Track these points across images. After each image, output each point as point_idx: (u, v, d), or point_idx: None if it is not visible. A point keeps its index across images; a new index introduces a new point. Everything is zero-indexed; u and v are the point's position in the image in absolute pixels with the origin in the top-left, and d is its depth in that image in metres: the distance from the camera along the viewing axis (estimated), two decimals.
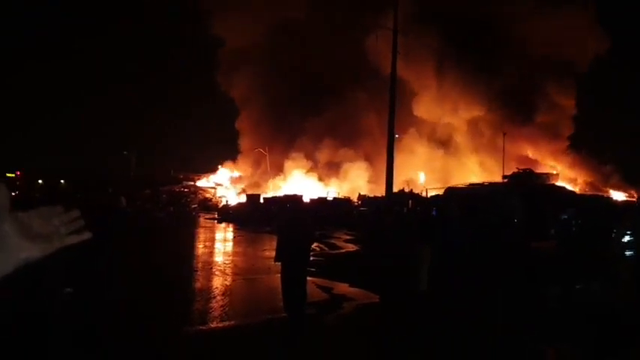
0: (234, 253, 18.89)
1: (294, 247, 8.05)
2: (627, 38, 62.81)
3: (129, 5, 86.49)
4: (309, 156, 53.64)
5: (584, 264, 7.80)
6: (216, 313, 8.67)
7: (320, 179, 51.94)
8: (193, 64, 54.64)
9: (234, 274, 13.37)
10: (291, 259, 8.03)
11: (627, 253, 7.57)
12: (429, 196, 34.93)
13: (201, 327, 7.80)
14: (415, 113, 45.51)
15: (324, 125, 52.53)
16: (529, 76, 41.53)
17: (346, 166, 50.77)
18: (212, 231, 30.30)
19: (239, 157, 61.71)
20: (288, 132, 55.36)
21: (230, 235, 27.35)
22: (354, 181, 49.28)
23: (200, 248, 20.06)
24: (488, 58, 40.20)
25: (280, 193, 45.40)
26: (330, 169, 52.18)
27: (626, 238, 7.70)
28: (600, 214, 12.89)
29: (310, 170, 52.98)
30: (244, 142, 60.25)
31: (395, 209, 28.81)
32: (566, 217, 17.03)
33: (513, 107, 41.11)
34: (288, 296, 8.12)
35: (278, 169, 54.50)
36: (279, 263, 8.18)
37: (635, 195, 36.18)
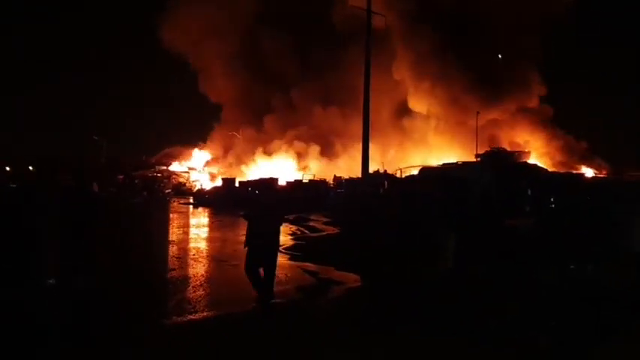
0: (214, 239, 18.68)
1: (265, 231, 7.98)
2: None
3: None
4: (282, 137, 53.32)
5: (576, 244, 7.90)
6: (204, 303, 8.52)
7: (297, 157, 51.81)
8: (162, 46, 53.75)
9: (216, 260, 13.22)
10: (262, 243, 7.98)
11: None
12: (403, 176, 35.14)
13: (187, 317, 7.64)
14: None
15: (300, 104, 52.27)
16: (501, 52, 41.91)
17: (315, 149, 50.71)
18: (188, 216, 30.01)
19: (212, 140, 61.15)
20: (260, 114, 54.88)
21: (207, 220, 27.11)
22: (330, 163, 49.28)
23: (179, 234, 19.80)
24: (461, 35, 40.28)
25: (255, 176, 45.11)
26: (305, 150, 51.99)
27: None
28: (582, 192, 13.04)
29: (284, 151, 52.71)
30: (217, 126, 59.77)
31: (371, 191, 29.01)
32: (544, 194, 17.31)
33: (486, 86, 41.39)
34: (255, 276, 8.07)
35: (252, 152, 54.10)
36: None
37: (605, 171, 37.03)
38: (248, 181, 41.70)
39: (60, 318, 7.39)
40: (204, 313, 7.84)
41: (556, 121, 44.26)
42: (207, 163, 61.50)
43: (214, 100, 58.28)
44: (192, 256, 13.65)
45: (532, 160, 36.64)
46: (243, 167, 53.45)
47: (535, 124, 43.19)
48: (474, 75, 41.04)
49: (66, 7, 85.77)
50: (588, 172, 38.25)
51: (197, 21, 52.78)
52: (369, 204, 23.17)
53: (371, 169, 36.06)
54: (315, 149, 51.26)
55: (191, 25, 52.85)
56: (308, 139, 51.65)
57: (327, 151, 50.77)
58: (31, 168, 57.25)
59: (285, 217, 25.08)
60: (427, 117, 46.25)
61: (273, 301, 8.07)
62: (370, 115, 33.14)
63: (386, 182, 31.66)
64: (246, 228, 8.09)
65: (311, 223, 23.23)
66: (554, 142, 42.17)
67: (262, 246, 7.97)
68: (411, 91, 44.67)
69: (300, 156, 51.80)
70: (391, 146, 47.16)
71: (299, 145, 51.87)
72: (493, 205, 14.17)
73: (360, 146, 34.01)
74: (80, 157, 52.51)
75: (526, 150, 38.41)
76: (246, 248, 8.07)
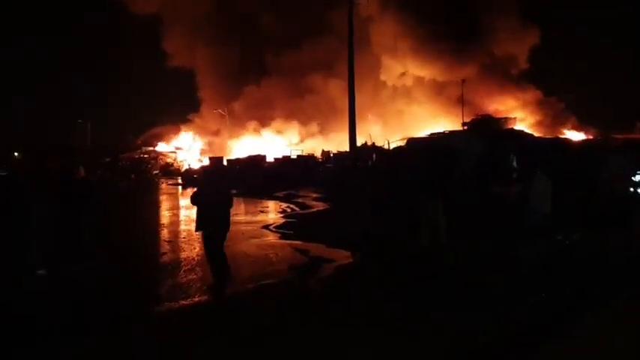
0: None
1: (214, 213, 8.06)
2: None
3: None
4: (268, 113, 52.91)
5: (562, 211, 7.96)
6: (196, 287, 8.53)
7: (278, 132, 51.54)
8: (145, 26, 52.61)
9: None
10: (213, 226, 8.09)
11: None
12: (391, 147, 35.17)
13: (179, 302, 7.64)
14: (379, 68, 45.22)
15: (283, 81, 51.72)
16: (482, 17, 41.67)
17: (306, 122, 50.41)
18: (177, 197, 29.94)
19: (199, 117, 60.56)
20: (246, 91, 54.36)
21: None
22: (317, 137, 49.11)
23: (168, 216, 19.78)
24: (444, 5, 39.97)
25: (243, 154, 44.95)
26: (289, 124, 51.69)
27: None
28: (569, 157, 13.12)
29: (268, 127, 52.37)
30: (203, 104, 59.17)
31: (359, 165, 29.08)
32: (530, 160, 17.34)
33: (470, 53, 41.24)
34: (213, 260, 8.23)
35: (239, 129, 53.74)
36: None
37: (593, 135, 37.18)
38: (237, 159, 41.60)
39: (51, 308, 7.40)
40: (197, 298, 7.86)
41: (541, 84, 44.32)
42: (195, 141, 61.05)
43: (202, 95, 57.79)
44: (182, 239, 13.64)
45: (518, 126, 36.77)
46: (230, 144, 53.16)
47: (519, 89, 43.21)
48: (460, 43, 40.84)
49: None
50: (575, 135, 38.44)
51: None
52: (357, 178, 23.27)
53: (359, 143, 36.09)
54: (303, 124, 50.94)
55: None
56: (295, 113, 51.31)
57: (319, 125, 50.48)
58: (16, 154, 56.76)
59: (275, 194, 25.32)
60: (411, 87, 46.06)
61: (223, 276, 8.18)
62: (355, 89, 32.98)
63: (374, 155, 31.74)
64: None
65: (301, 200, 23.29)
66: (539, 107, 42.24)
67: (214, 231, 8.10)
68: (389, 56, 44.41)
69: (287, 131, 51.52)
70: (379, 119, 47.01)
71: (284, 121, 51.50)
72: (483, 173, 14.29)
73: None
74: (66, 144, 52.11)
75: (512, 116, 38.49)
76: (201, 233, 8.22)
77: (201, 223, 8.17)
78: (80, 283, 8.24)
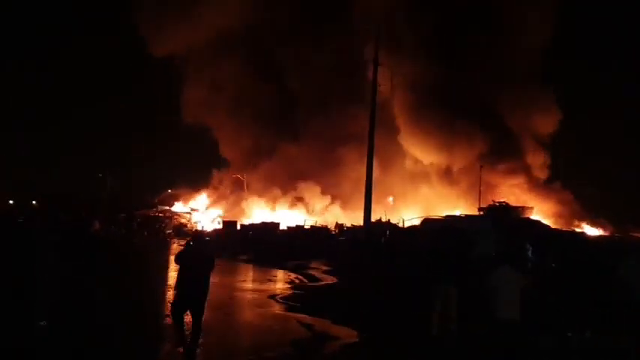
0: (211, 284, 18.43)
1: (194, 279, 8.07)
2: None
3: (104, 26, 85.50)
4: (283, 184, 53.31)
5: (575, 307, 7.74)
6: (195, 354, 8.33)
7: (292, 206, 51.66)
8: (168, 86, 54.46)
9: (212, 308, 12.97)
10: (191, 291, 8.07)
11: None
12: (405, 226, 35.05)
13: None
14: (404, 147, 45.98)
15: (302, 152, 52.36)
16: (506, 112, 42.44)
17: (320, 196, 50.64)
18: None
19: (218, 182, 61.27)
20: (265, 157, 55.02)
21: None
22: (331, 210, 49.08)
23: (174, 278, 19.60)
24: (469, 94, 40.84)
25: (257, 220, 45.01)
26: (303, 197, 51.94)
27: None
28: (585, 251, 12.92)
29: (283, 199, 52.60)
30: (224, 169, 60.02)
31: (373, 240, 28.92)
32: (545, 252, 17.11)
33: (491, 142, 41.76)
34: (179, 323, 8.13)
35: (257, 195, 54.05)
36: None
37: (610, 230, 36.77)
38: (250, 225, 41.61)
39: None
40: None
41: (559, 178, 44.41)
42: (211, 205, 61.46)
43: (224, 154, 58.81)
44: None
45: (535, 216, 36.56)
46: (245, 210, 53.33)
47: (537, 181, 43.30)
48: (482, 132, 41.50)
49: (75, 39, 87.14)
50: (591, 230, 38.02)
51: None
52: (369, 254, 23.07)
53: (374, 218, 36.07)
54: (318, 196, 50.94)
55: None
56: (311, 184, 51.53)
57: (336, 198, 50.54)
58: (34, 202, 57.49)
59: (285, 263, 25.10)
60: (429, 168, 46.39)
61: (197, 348, 8.01)
62: (373, 165, 33.35)
63: (387, 232, 31.62)
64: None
65: (311, 272, 22.99)
66: (556, 199, 42.10)
67: (190, 292, 8.05)
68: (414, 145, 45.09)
69: (303, 201, 51.60)
70: (394, 195, 47.09)
71: (303, 189, 51.64)
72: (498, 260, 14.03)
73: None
74: (83, 197, 52.73)
75: (529, 206, 38.31)
76: (175, 292, 8.17)
77: (177, 283, 8.15)
78: (78, 339, 8.11)
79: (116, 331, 9.11)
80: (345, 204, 48.14)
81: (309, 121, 52.50)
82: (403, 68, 37.98)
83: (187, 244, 9.53)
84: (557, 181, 43.84)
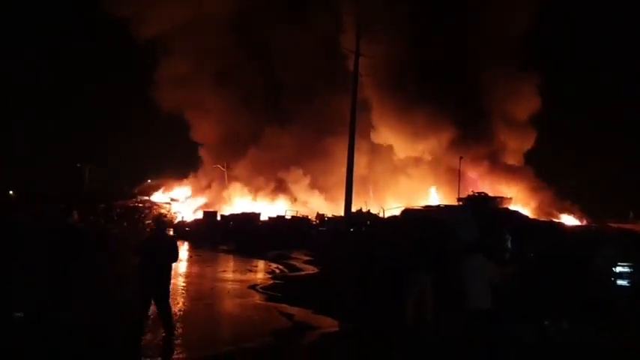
0: (191, 275, 18.42)
1: (157, 267, 8.02)
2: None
3: (80, 19, 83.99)
4: (267, 172, 52.84)
5: (551, 297, 7.84)
6: (175, 344, 8.27)
7: (274, 195, 51.30)
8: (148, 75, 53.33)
9: (192, 298, 12.96)
10: (155, 279, 8.02)
11: (620, 283, 7.68)
12: (386, 216, 35.17)
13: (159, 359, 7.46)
14: (374, 141, 45.54)
15: (287, 141, 51.89)
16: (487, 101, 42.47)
17: (297, 185, 50.30)
18: None
19: (197, 172, 60.76)
20: (249, 144, 54.40)
21: (186, 254, 26.72)
22: (309, 199, 48.91)
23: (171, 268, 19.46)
24: (448, 82, 40.82)
25: (238, 210, 44.78)
26: (281, 188, 51.54)
27: (620, 269, 7.81)
28: (563, 241, 13.06)
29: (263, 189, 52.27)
30: (203, 157, 59.29)
31: (353, 230, 29.00)
32: (523, 242, 17.27)
33: (471, 131, 41.88)
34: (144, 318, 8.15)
35: (240, 182, 53.63)
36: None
37: (587, 221, 37.26)
38: (230, 215, 41.42)
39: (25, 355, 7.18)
40: (175, 356, 7.62)
41: (538, 167, 44.80)
42: (191, 195, 61.02)
43: (199, 140, 57.93)
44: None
45: (513, 206, 36.88)
46: (226, 200, 53.03)
47: (516, 171, 43.62)
48: (462, 120, 41.52)
49: (55, 32, 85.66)
50: (569, 220, 38.50)
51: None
52: (349, 244, 23.13)
53: (354, 208, 36.16)
54: (302, 179, 50.51)
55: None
56: (294, 168, 51.17)
57: (321, 190, 50.25)
58: (11, 192, 56.55)
59: (266, 254, 25.07)
60: (412, 159, 46.44)
61: (174, 338, 8.07)
62: (354, 156, 33.39)
63: (368, 222, 31.70)
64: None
65: (291, 262, 23.02)
66: (535, 189, 42.51)
67: (154, 282, 8.01)
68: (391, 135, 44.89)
69: (284, 185, 51.25)
70: (377, 186, 47.11)
71: (286, 174, 51.21)
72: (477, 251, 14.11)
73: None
74: (61, 187, 52.00)
75: (508, 196, 38.65)
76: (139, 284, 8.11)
77: (140, 274, 8.09)
78: (55, 331, 8.01)
79: (93, 323, 9.00)
80: (329, 195, 48.02)
81: (296, 108, 51.88)
82: (373, 50, 37.51)
83: (144, 239, 9.39)
84: (533, 171, 44.18)
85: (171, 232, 37.33)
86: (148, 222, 50.79)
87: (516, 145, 43.73)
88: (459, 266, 7.06)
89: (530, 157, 45.10)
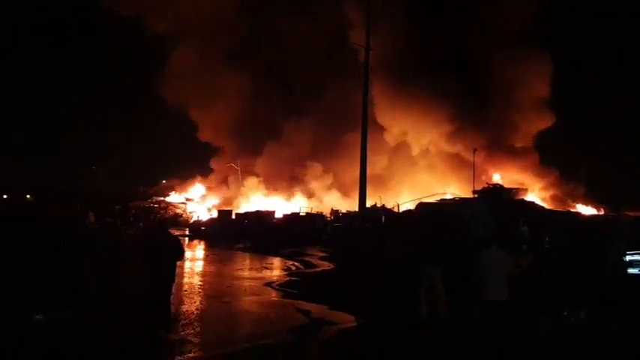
0: (208, 273, 18.53)
1: (157, 268, 8.05)
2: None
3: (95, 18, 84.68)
4: (269, 171, 52.87)
5: (569, 287, 7.77)
6: (192, 343, 8.34)
7: (289, 195, 51.20)
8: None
9: (209, 296, 13.04)
10: (157, 275, 8.06)
11: (631, 271, 7.61)
12: (401, 210, 35.06)
13: (175, 358, 7.49)
14: (386, 130, 45.21)
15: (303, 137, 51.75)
16: (501, 92, 42.06)
17: (315, 182, 50.13)
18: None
19: (213, 171, 60.93)
20: (262, 142, 54.39)
21: (202, 253, 26.89)
22: (326, 196, 48.80)
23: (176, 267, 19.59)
24: (462, 78, 40.49)
25: (252, 208, 44.86)
26: (293, 183, 51.43)
27: (629, 257, 7.74)
28: (580, 232, 12.94)
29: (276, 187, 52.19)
30: (217, 157, 59.43)
31: (368, 225, 28.92)
32: (539, 233, 17.14)
33: (484, 123, 41.55)
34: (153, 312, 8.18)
35: (256, 178, 53.67)
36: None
37: (604, 210, 36.90)
38: (245, 213, 41.55)
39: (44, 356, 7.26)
40: (191, 355, 7.67)
41: (554, 158, 44.38)
42: (206, 194, 61.30)
43: (214, 137, 57.96)
44: (184, 292, 13.44)
45: (529, 197, 36.61)
46: (241, 199, 53.15)
47: (531, 161, 43.22)
48: (475, 113, 41.18)
49: (65, 32, 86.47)
50: (586, 210, 38.15)
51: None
52: (364, 239, 23.08)
53: (369, 203, 36.07)
54: (320, 175, 50.36)
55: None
56: (313, 163, 51.05)
57: (337, 185, 50.07)
58: (28, 197, 57.25)
59: (281, 251, 25.13)
60: (424, 151, 46.16)
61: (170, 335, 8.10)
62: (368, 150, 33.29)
63: (383, 217, 31.62)
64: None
65: (307, 258, 23.06)
66: (550, 180, 42.13)
67: (158, 281, 8.05)
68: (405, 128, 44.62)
69: (301, 186, 51.19)
70: (390, 179, 46.87)
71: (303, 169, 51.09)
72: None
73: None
74: (77, 189, 52.50)
75: (523, 187, 38.36)
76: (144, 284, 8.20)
77: (144, 274, 8.21)
78: (72, 332, 8.09)
79: (105, 322, 9.09)
80: (347, 191, 47.85)
81: (312, 104, 51.65)
82: (380, 43, 37.22)
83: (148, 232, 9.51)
84: (549, 162, 43.75)
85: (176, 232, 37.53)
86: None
87: (527, 130, 43.21)
88: (475, 258, 7.03)
89: (542, 145, 44.70)
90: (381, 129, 43.42)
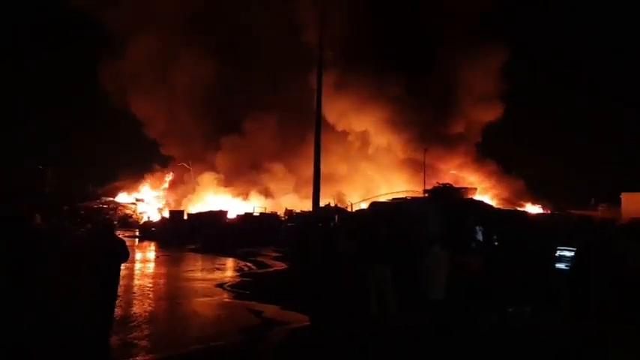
0: (158, 275, 18.16)
1: (102, 271, 7.81)
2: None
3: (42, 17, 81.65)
4: (228, 170, 52.19)
5: (515, 283, 7.99)
6: (140, 345, 8.16)
7: (242, 195, 50.70)
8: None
9: (159, 298, 12.80)
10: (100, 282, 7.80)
11: (559, 266, 7.88)
12: (354, 210, 35.29)
13: None
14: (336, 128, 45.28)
15: (244, 139, 51.27)
16: (447, 91, 42.90)
17: (269, 181, 49.85)
18: (133, 250, 29.07)
19: (164, 170, 59.89)
20: (209, 144, 53.52)
21: (152, 254, 26.38)
22: (279, 196, 48.63)
23: (121, 270, 19.13)
24: (412, 76, 41.06)
25: (205, 208, 44.30)
26: (251, 183, 50.95)
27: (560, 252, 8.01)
28: (527, 229, 13.31)
29: (231, 185, 51.59)
30: (167, 155, 58.37)
31: (321, 225, 28.98)
32: (489, 231, 17.53)
33: (433, 123, 42.34)
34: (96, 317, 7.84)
35: (202, 184, 52.94)
36: None
37: (550, 209, 38.14)
38: (197, 214, 40.98)
39: None
40: (139, 357, 7.51)
41: (501, 157, 45.59)
42: (158, 195, 60.19)
43: (164, 141, 56.76)
44: (133, 294, 13.14)
45: (478, 196, 37.48)
46: (193, 197, 52.39)
47: (479, 161, 44.35)
48: (424, 112, 41.82)
49: (21, 29, 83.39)
50: (533, 209, 39.35)
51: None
52: (317, 239, 23.13)
53: (322, 203, 36.14)
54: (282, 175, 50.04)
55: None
56: (259, 172, 50.70)
57: (276, 186, 49.84)
58: None
59: (234, 251, 24.89)
60: (378, 150, 46.63)
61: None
62: (321, 150, 33.38)
63: (336, 217, 31.75)
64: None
65: (260, 258, 22.93)
66: (497, 178, 43.31)
67: (100, 282, 7.78)
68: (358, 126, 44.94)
69: (251, 188, 50.82)
70: (342, 179, 47.13)
71: (249, 179, 50.75)
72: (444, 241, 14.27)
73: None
74: (23, 190, 50.56)
75: (473, 187, 39.26)
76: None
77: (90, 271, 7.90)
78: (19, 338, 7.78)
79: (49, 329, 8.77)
80: (308, 191, 47.78)
81: (270, 99, 51.09)
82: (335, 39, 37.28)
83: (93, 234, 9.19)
84: (493, 161, 44.92)
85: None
86: (114, 223, 49.90)
87: (477, 125, 44.18)
88: (421, 258, 7.14)
89: (491, 147, 45.90)
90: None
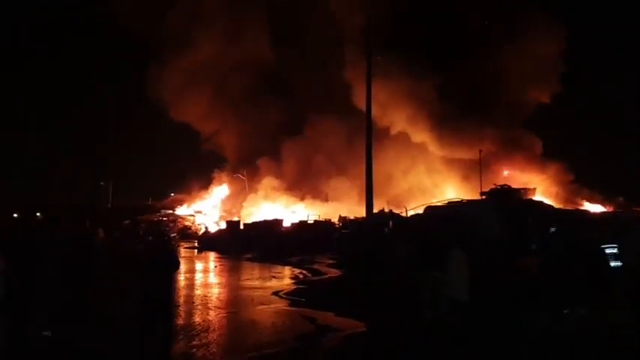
0: (216, 285, 18.54)
1: (157, 280, 7.88)
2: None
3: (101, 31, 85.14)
4: (285, 177, 52.82)
5: (571, 284, 7.72)
6: (199, 354, 8.35)
7: (300, 200, 51.10)
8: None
9: (217, 307, 13.06)
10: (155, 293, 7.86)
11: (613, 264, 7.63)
12: (409, 215, 34.95)
13: None
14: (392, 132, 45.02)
15: (302, 146, 51.76)
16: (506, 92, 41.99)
17: (327, 187, 50.04)
18: (192, 261, 29.83)
19: (219, 183, 61.15)
20: (267, 154, 54.44)
21: (211, 264, 26.93)
22: (337, 202, 48.69)
23: (180, 280, 19.65)
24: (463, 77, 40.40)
25: (259, 218, 44.89)
26: (309, 190, 51.31)
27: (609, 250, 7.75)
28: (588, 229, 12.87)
29: (287, 192, 52.11)
30: (225, 169, 59.72)
31: (375, 231, 28.83)
32: (551, 231, 17.02)
33: (489, 124, 41.46)
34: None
35: (256, 194, 53.76)
36: None
37: (611, 207, 36.64)
38: (253, 223, 41.58)
39: None
40: None
41: (560, 157, 44.18)
42: (215, 205, 61.48)
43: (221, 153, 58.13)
44: (193, 304, 13.49)
45: (537, 197, 36.41)
46: (248, 209, 53.21)
47: (539, 161, 43.08)
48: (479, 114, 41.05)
49: (72, 47, 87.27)
50: (595, 208, 37.89)
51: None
52: (373, 246, 23.05)
53: (376, 208, 35.94)
54: (321, 190, 50.41)
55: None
56: (313, 180, 51.01)
57: (336, 191, 49.93)
58: (38, 214, 57.65)
59: (289, 259, 25.11)
60: (430, 153, 46.02)
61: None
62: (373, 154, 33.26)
63: (391, 222, 31.52)
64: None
65: (315, 266, 23.06)
66: (559, 179, 41.92)
67: (154, 296, 7.83)
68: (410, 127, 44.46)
69: (304, 198, 51.17)
70: (396, 183, 46.72)
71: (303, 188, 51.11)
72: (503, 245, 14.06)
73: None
74: (86, 206, 52.70)
75: (531, 187, 38.15)
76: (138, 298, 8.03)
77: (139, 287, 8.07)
78: (80, 347, 8.13)
79: (114, 340, 9.09)
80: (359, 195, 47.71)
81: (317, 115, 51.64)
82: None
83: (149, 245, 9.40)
84: (554, 158, 43.54)
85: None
86: (173, 235, 51.25)
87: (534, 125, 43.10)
88: (449, 261, 7.14)
89: (550, 145, 44.57)
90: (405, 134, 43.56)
